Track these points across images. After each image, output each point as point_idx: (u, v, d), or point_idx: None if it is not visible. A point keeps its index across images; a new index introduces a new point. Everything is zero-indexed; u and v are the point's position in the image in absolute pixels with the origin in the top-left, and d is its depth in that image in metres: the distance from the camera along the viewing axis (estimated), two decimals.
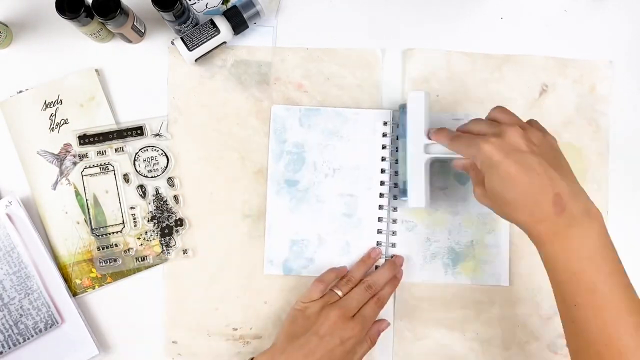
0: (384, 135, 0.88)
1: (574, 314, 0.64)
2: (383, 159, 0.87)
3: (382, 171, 0.87)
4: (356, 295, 0.81)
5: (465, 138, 0.72)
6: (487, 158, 0.67)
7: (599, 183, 0.88)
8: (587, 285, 0.63)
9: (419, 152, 0.79)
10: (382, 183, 0.87)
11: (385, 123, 0.88)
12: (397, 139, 0.87)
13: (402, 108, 0.83)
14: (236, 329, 0.88)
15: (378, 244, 0.87)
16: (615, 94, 0.89)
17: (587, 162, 0.88)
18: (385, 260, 0.87)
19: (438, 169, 0.87)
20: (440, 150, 0.78)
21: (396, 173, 0.87)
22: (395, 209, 0.87)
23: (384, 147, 0.88)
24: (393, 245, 0.87)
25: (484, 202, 0.71)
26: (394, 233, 0.87)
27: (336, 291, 0.81)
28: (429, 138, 0.79)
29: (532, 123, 0.72)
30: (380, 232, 0.87)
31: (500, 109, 0.73)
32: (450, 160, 0.78)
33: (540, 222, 0.65)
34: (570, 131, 0.88)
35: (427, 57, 0.89)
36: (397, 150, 0.87)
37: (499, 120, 0.71)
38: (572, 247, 0.64)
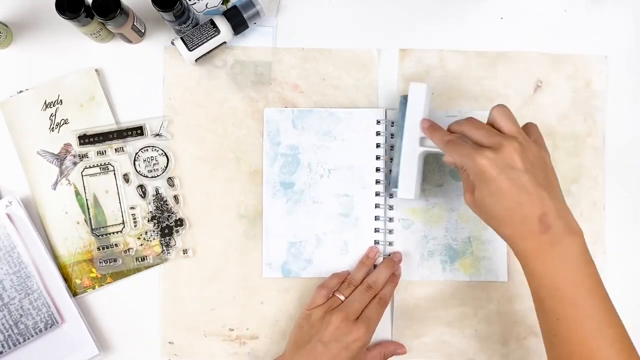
0: (378, 134, 0.88)
1: (557, 327, 0.66)
2: (378, 158, 0.88)
3: (377, 170, 0.88)
4: (357, 297, 0.81)
5: (461, 146, 0.71)
6: (480, 172, 0.67)
7: (595, 178, 0.88)
8: (569, 300, 0.65)
9: (413, 143, 0.80)
10: (377, 182, 0.88)
11: (378, 122, 0.88)
12: (392, 136, 0.88)
13: (403, 99, 0.83)
14: (232, 330, 0.88)
15: (376, 242, 0.87)
16: (611, 89, 0.89)
17: (583, 156, 0.88)
18: (384, 258, 0.87)
19: (434, 166, 0.88)
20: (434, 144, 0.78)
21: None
22: (391, 207, 0.88)
23: (378, 145, 0.88)
24: (390, 243, 0.88)
25: (471, 208, 0.72)
26: (391, 231, 0.88)
27: (338, 295, 0.82)
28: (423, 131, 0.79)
29: (530, 130, 0.72)
30: (378, 231, 0.88)
31: (501, 111, 0.71)
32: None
33: (525, 238, 0.67)
34: (565, 126, 0.88)
35: (421, 56, 0.89)
36: (392, 148, 0.87)
37: (497, 127, 0.70)
38: (554, 264, 0.66)
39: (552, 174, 0.70)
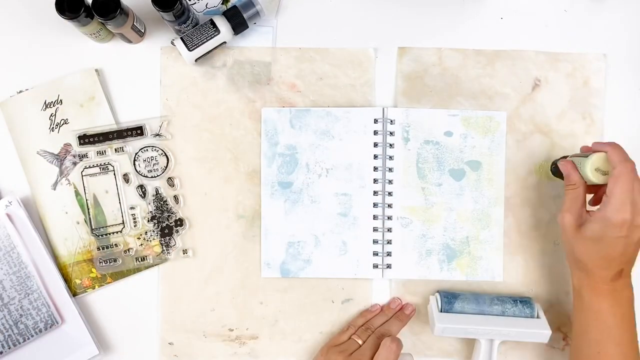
0: (376, 132, 0.88)
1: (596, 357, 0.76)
2: (375, 157, 0.88)
3: (375, 169, 0.88)
4: (369, 344, 0.83)
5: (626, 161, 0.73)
6: (627, 191, 0.71)
7: None
8: (614, 339, 0.76)
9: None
10: (375, 181, 0.88)
11: (376, 120, 0.88)
12: (391, 134, 0.88)
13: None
14: (232, 330, 0.88)
15: (374, 242, 0.88)
16: (610, 87, 0.90)
17: None
18: (400, 309, 0.89)
19: (434, 164, 0.88)
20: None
21: (390, 169, 0.88)
22: (390, 206, 0.88)
23: (375, 144, 0.88)
24: (389, 242, 0.88)
25: (565, 229, 0.77)
26: (389, 230, 0.88)
27: (356, 339, 0.84)
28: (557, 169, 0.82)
29: None
30: (376, 230, 0.88)
31: None
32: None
33: (600, 278, 0.75)
34: (563, 124, 0.89)
35: (420, 54, 0.89)
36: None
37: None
38: (613, 305, 0.76)
39: None
